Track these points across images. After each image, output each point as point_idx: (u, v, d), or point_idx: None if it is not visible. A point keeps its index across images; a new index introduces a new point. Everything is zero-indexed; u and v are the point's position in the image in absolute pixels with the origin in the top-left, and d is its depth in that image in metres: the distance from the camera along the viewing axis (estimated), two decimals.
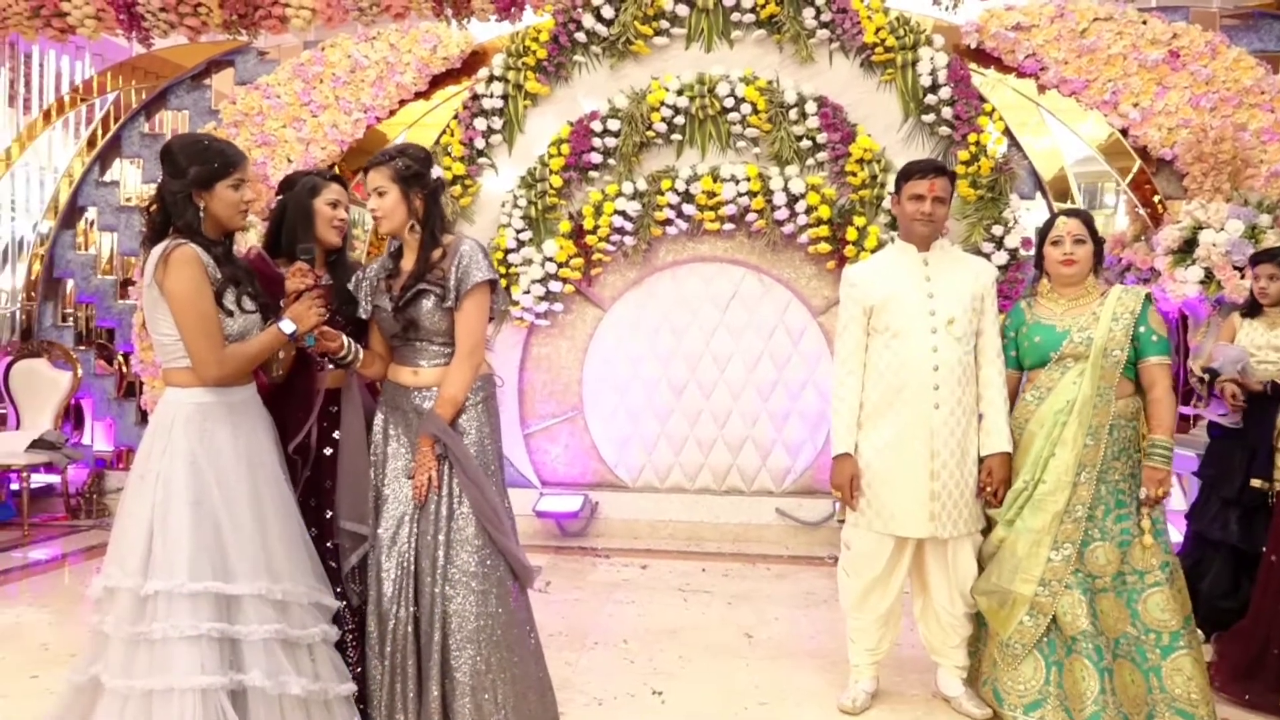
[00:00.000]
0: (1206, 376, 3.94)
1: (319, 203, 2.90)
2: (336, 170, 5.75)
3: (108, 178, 6.65)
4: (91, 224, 6.70)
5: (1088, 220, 3.24)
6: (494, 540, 2.80)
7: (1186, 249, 4.84)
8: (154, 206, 2.54)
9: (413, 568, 2.76)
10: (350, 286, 2.93)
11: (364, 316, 2.91)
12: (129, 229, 6.55)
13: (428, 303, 2.79)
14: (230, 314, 2.53)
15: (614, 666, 3.74)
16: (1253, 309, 4.06)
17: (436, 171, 2.85)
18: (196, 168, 2.48)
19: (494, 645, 2.75)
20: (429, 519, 2.77)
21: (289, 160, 5.79)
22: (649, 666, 3.74)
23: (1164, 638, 3.04)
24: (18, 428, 6.08)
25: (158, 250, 2.47)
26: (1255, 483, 3.74)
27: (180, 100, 6.54)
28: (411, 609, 2.75)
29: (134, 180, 6.68)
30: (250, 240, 5.16)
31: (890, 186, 5.15)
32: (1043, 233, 3.30)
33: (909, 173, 3.28)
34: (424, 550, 2.77)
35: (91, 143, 6.63)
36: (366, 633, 2.80)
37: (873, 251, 5.01)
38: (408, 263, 2.86)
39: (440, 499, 2.77)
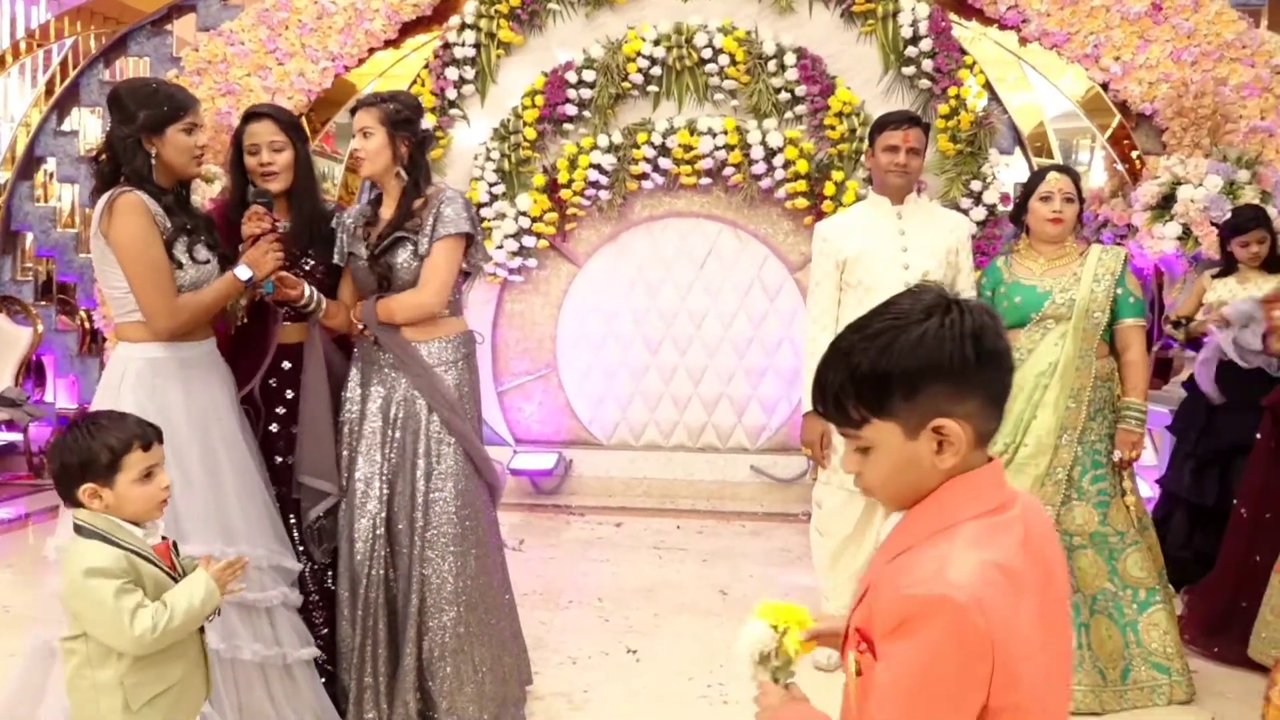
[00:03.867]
0: (1181, 324, 3.98)
1: (245, 155, 2.74)
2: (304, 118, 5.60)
3: (66, 127, 6.44)
4: (50, 175, 6.49)
5: (1077, 179, 3.19)
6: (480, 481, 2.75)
7: (1164, 205, 4.81)
8: (103, 155, 2.43)
9: (385, 528, 2.70)
10: (334, 226, 2.82)
11: (339, 262, 2.81)
12: (89, 180, 6.34)
13: (404, 252, 2.70)
14: (180, 265, 2.43)
15: (588, 625, 3.72)
16: (1225, 270, 4.05)
17: (426, 123, 2.76)
18: (146, 112, 2.37)
19: (472, 607, 2.71)
20: (405, 479, 2.71)
21: None
22: (624, 625, 3.73)
23: (1140, 593, 3.06)
24: None
25: (103, 199, 2.36)
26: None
27: (141, 47, 6.33)
28: (383, 570, 2.70)
29: (94, 129, 6.46)
30: (213, 192, 5.03)
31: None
32: (1028, 187, 3.24)
33: (883, 124, 3.22)
34: (400, 511, 2.70)
35: (49, 90, 6.41)
36: (337, 594, 2.74)
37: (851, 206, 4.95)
38: (387, 210, 2.76)
39: (418, 458, 2.71)
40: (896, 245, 3.18)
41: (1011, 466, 3.12)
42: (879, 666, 1.12)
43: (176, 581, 1.91)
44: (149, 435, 1.92)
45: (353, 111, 2.74)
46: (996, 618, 1.06)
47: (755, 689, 1.33)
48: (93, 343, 6.39)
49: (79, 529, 1.88)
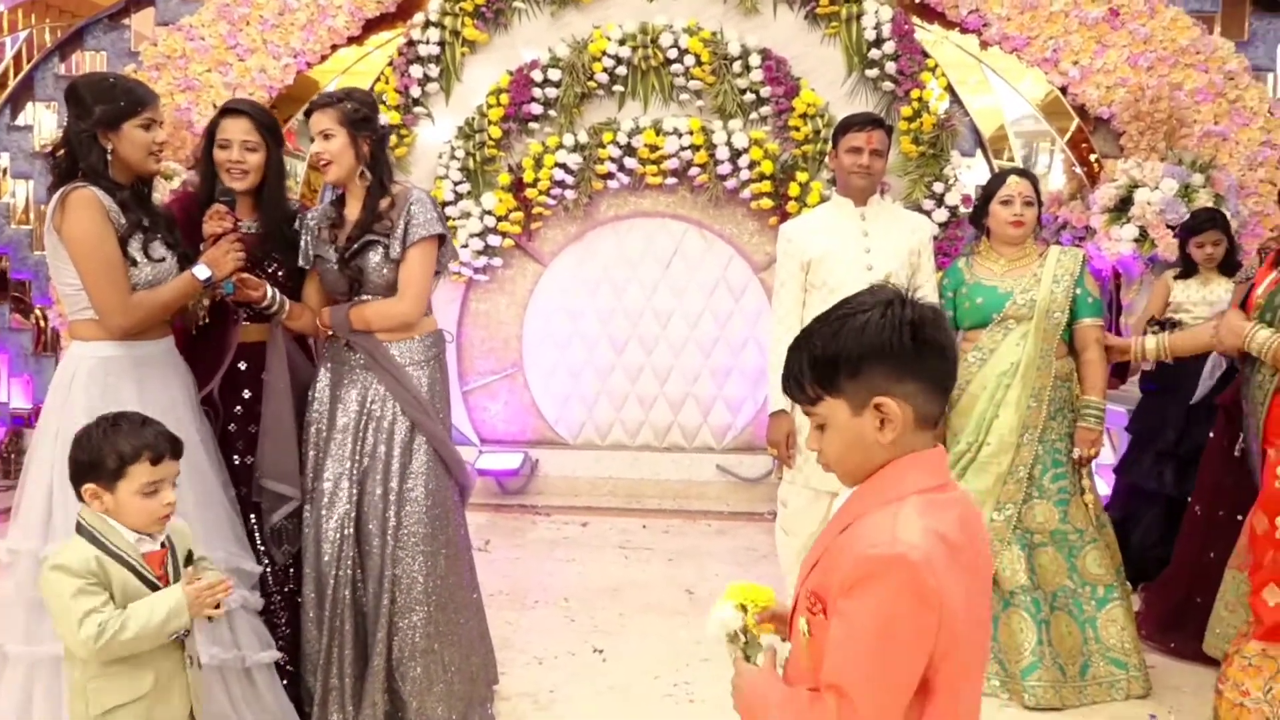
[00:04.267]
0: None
1: (215, 148, 2.69)
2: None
3: (20, 122, 6.30)
4: (4, 171, 6.35)
5: (1036, 182, 3.25)
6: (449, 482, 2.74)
7: (1122, 207, 4.90)
8: (60, 150, 2.38)
9: (354, 529, 2.67)
10: (296, 227, 2.77)
11: (304, 265, 2.77)
12: (44, 176, 6.23)
13: (375, 255, 2.66)
14: (135, 263, 2.39)
15: (555, 625, 3.72)
16: (1186, 271, 4.12)
17: (384, 118, 2.73)
18: (103, 107, 2.33)
19: (441, 607, 2.70)
20: (376, 479, 2.67)
21: (214, 106, 5.53)
22: (590, 624, 3.72)
23: (1099, 590, 3.11)
24: None
25: (57, 194, 2.32)
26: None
27: (98, 41, 6.21)
28: (351, 571, 2.67)
29: (49, 124, 6.34)
30: (172, 188, 4.95)
31: None
32: (989, 190, 3.29)
33: (846, 126, 3.25)
34: (370, 511, 2.67)
35: (2, 84, 6.28)
36: (303, 595, 2.70)
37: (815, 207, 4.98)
38: (352, 212, 2.72)
39: (390, 458, 2.68)
40: (860, 246, 3.21)
41: (975, 465, 3.16)
42: (834, 624, 1.24)
43: (156, 590, 1.89)
44: (161, 449, 1.90)
45: (307, 113, 2.68)
46: (943, 579, 1.20)
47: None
48: (49, 342, 6.27)
49: (77, 524, 1.89)
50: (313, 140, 2.65)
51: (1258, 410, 2.84)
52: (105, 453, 1.86)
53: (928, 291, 3.27)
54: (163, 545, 1.95)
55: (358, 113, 2.64)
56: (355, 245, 2.66)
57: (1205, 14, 5.42)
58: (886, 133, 3.25)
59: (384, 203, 2.69)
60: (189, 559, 2.01)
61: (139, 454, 1.87)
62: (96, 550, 1.84)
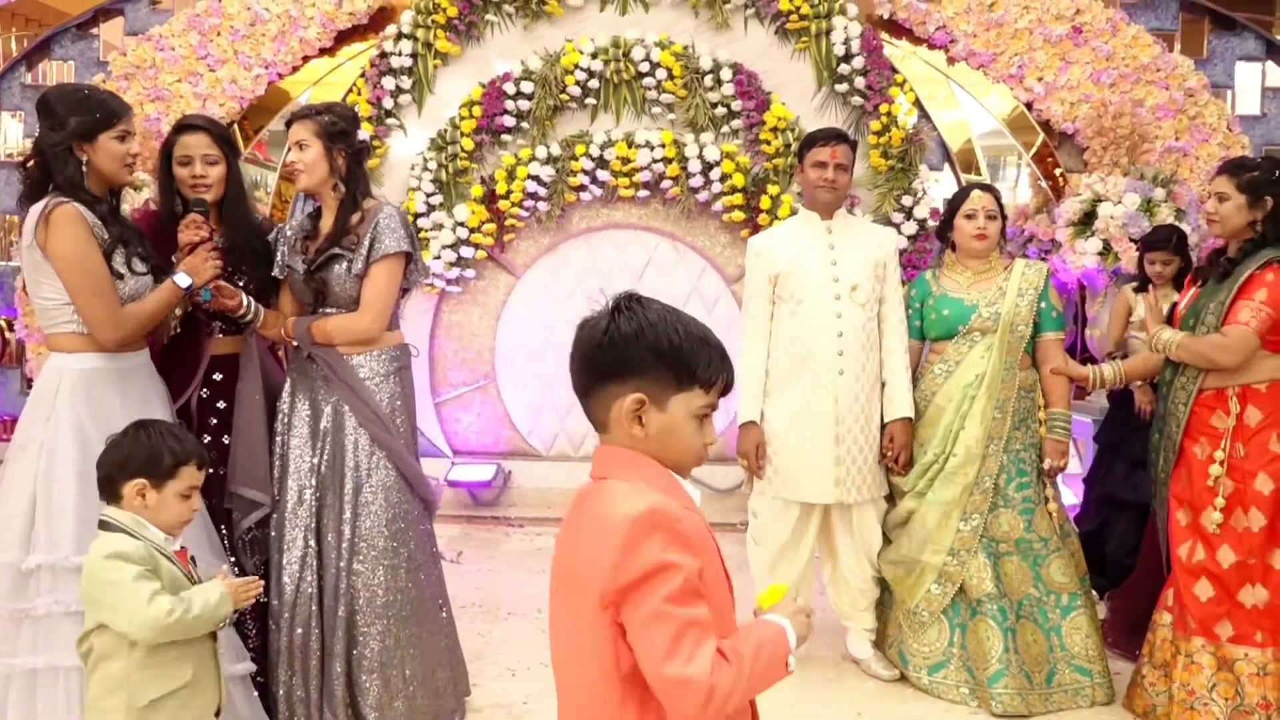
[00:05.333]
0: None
1: (175, 165, 2.69)
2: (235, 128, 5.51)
3: None
4: None
5: (998, 196, 3.31)
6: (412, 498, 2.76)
7: (1086, 221, 4.98)
8: (32, 162, 2.37)
9: (315, 539, 2.68)
10: (271, 238, 2.80)
11: (278, 275, 2.78)
12: (9, 186, 6.16)
13: (339, 268, 2.68)
14: (120, 276, 2.39)
15: (528, 637, 3.72)
16: (1143, 285, 4.21)
17: (363, 134, 2.76)
18: (77, 118, 2.33)
19: (403, 621, 2.70)
20: (334, 492, 2.69)
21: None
22: None
23: (1064, 598, 3.16)
24: None
25: (37, 209, 2.31)
26: None
27: (65, 50, 6.15)
28: (315, 580, 2.67)
29: (15, 134, 6.28)
30: (140, 200, 4.91)
31: None
32: (953, 204, 3.35)
33: (812, 140, 3.30)
34: (328, 523, 2.68)
35: None
36: (269, 605, 2.70)
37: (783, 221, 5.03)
38: (327, 224, 2.74)
39: (345, 470, 2.69)
40: (827, 259, 3.26)
41: (942, 475, 3.21)
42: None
43: (193, 585, 1.98)
44: (204, 457, 2.05)
45: (288, 124, 2.71)
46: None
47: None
48: (14, 354, 6.18)
49: (104, 524, 1.94)
50: (289, 150, 2.67)
51: (1178, 411, 2.96)
52: (162, 451, 1.96)
53: (894, 304, 3.32)
54: (181, 547, 2.05)
55: (335, 125, 2.68)
56: (320, 258, 2.68)
57: (1165, 32, 5.54)
58: (851, 148, 3.30)
59: (354, 217, 2.71)
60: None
61: (190, 457, 1.99)
62: (142, 542, 1.92)
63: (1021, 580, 3.18)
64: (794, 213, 5.06)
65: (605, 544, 1.30)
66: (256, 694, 2.64)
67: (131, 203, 4.82)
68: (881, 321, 3.30)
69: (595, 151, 5.43)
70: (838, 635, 3.57)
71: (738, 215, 5.44)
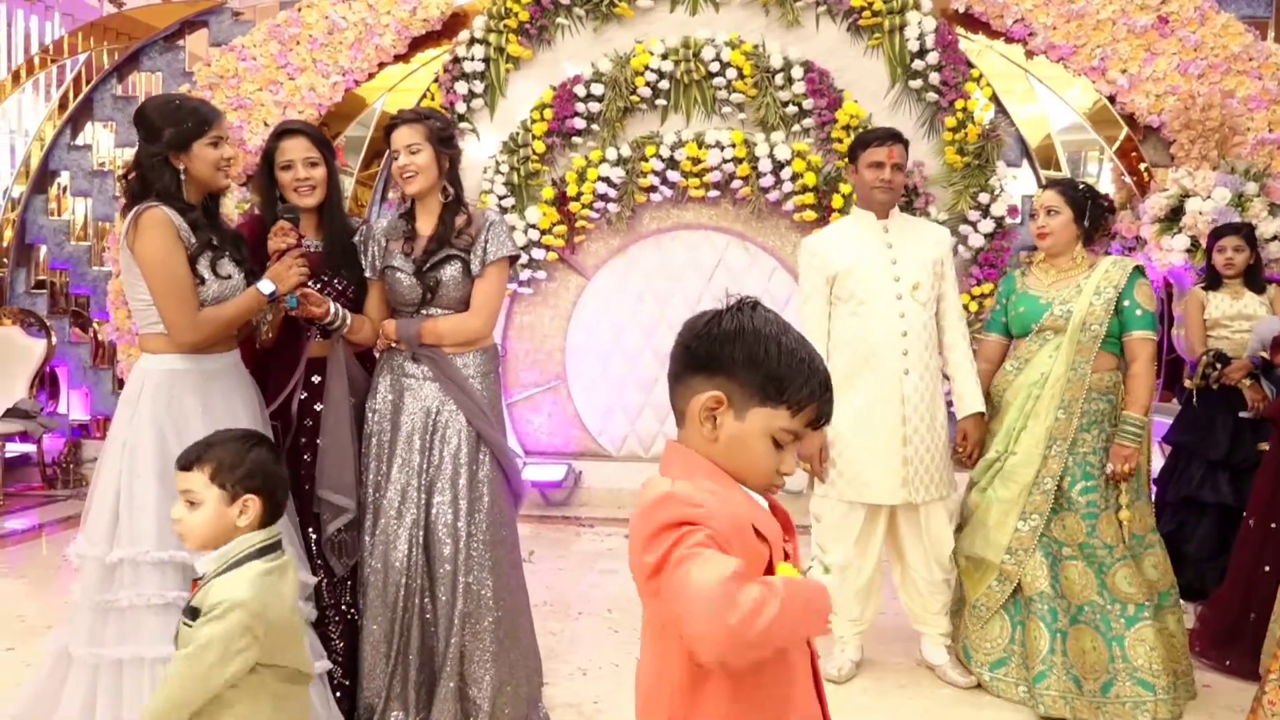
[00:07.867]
0: (1216, 367, 3.92)
1: (277, 170, 2.76)
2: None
3: (80, 141, 6.51)
4: (64, 189, 6.55)
5: (1064, 190, 3.21)
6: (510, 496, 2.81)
7: (1173, 217, 4.82)
8: (131, 173, 2.46)
9: (423, 536, 2.71)
10: (358, 240, 2.83)
11: (369, 275, 2.82)
12: (102, 194, 6.42)
13: (454, 269, 2.73)
14: (203, 280, 2.45)
15: (598, 636, 3.73)
16: (1211, 282, 4.06)
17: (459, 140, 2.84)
18: (171, 129, 2.41)
19: (508, 611, 2.75)
20: (443, 488, 2.71)
21: (265, 124, 5.67)
22: (633, 636, 3.71)
23: (1129, 609, 3.03)
24: None
25: (131, 214, 2.40)
26: (1262, 446, 3.69)
27: (153, 62, 6.39)
28: (420, 580, 2.70)
29: (107, 144, 6.54)
30: (228, 205, 5.06)
31: None
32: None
33: (866, 141, 3.28)
34: (439, 519, 2.70)
35: (63, 105, 6.48)
36: (366, 603, 2.72)
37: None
38: (425, 226, 2.78)
39: (460, 467, 2.71)
40: (886, 258, 3.23)
41: (1001, 474, 3.16)
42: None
43: (183, 614, 1.84)
44: (189, 463, 1.87)
45: (389, 129, 2.75)
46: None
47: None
48: (107, 355, 6.44)
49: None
50: (395, 155, 2.72)
51: None
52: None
53: (952, 300, 3.30)
54: (195, 580, 1.92)
55: (444, 131, 2.76)
56: (434, 258, 2.71)
57: (1258, 20, 5.33)
58: (905, 147, 3.28)
59: (460, 219, 2.75)
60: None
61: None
62: None
63: (1084, 586, 3.07)
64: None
65: (634, 537, 1.28)
66: (338, 695, 2.69)
67: (224, 209, 4.97)
68: (941, 318, 3.30)
69: (665, 152, 5.43)
70: (912, 640, 3.51)
71: (809, 215, 5.39)
